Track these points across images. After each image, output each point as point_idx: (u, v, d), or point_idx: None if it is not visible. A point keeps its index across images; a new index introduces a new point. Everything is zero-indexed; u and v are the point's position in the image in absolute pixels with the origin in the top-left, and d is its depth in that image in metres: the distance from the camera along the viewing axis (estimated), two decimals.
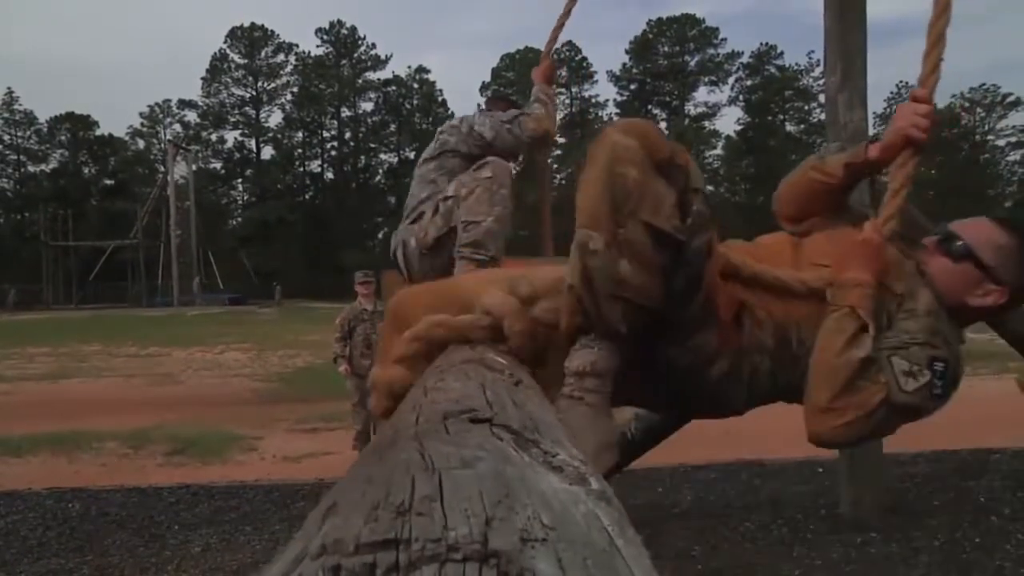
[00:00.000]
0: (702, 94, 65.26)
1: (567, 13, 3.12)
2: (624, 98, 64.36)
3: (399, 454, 0.53)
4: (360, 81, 63.77)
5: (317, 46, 64.36)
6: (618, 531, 0.45)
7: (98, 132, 63.68)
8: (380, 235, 59.27)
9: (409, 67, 64.95)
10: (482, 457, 0.51)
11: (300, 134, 64.67)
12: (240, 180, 65.08)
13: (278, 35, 63.52)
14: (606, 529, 0.45)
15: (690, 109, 64.55)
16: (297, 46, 63.82)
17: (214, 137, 64.37)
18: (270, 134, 64.27)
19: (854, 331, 1.46)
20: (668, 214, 1.28)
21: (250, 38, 63.06)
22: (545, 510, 0.43)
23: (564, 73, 63.78)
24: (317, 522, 0.42)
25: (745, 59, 63.24)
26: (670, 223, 1.28)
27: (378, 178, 64.47)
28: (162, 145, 60.74)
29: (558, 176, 50.03)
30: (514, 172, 2.87)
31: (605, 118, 63.86)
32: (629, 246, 1.26)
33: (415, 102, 63.56)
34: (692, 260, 1.35)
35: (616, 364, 1.34)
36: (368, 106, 63.56)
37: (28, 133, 62.79)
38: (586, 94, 65.82)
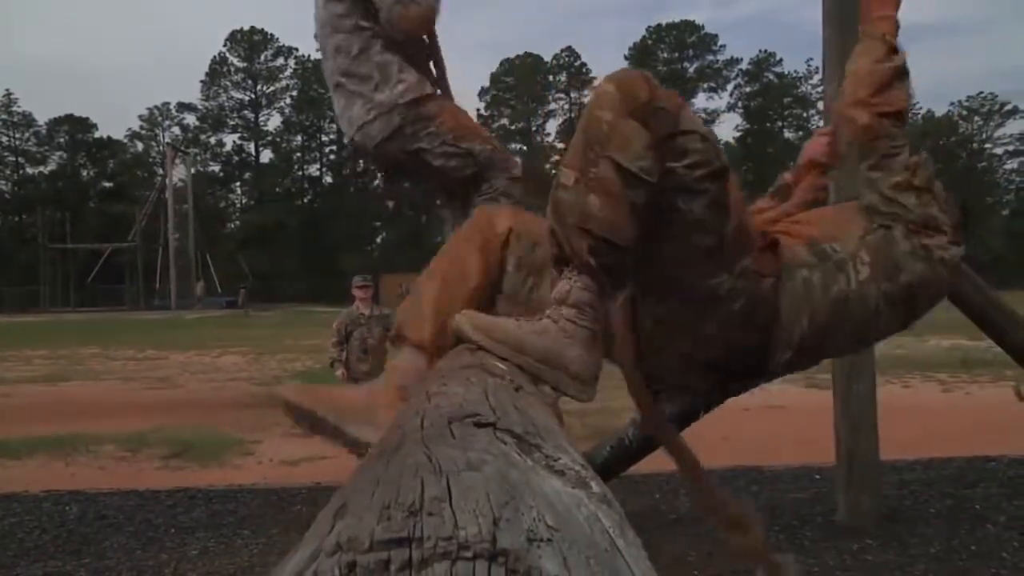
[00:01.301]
0: (701, 100, 65.36)
1: None
2: None
3: (406, 458, 0.54)
4: None
5: (316, 50, 64.13)
6: (619, 532, 0.47)
7: (97, 134, 63.78)
8: (378, 239, 59.36)
9: None
10: (487, 460, 0.52)
11: (299, 138, 64.77)
12: (239, 183, 65.15)
13: (278, 39, 63.77)
14: (607, 531, 0.46)
15: None
16: (296, 50, 64.03)
17: (213, 140, 64.53)
18: (269, 138, 64.37)
19: (887, 50, 1.77)
20: (637, 154, 1.35)
21: (250, 41, 63.19)
22: (549, 512, 0.44)
23: (563, 78, 63.95)
24: (328, 522, 0.44)
25: (744, 66, 63.53)
26: (636, 163, 1.34)
27: (376, 182, 64.49)
28: (161, 148, 60.83)
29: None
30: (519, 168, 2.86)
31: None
32: (598, 183, 1.34)
33: None
34: (703, 188, 1.43)
35: (592, 299, 1.38)
36: None
37: (27, 135, 62.86)
38: (585, 99, 65.84)
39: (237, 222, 64.16)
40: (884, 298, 1.65)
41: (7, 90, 61.48)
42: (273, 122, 64.80)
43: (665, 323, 1.59)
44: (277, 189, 62.81)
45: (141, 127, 64.11)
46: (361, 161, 63.09)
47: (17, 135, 62.55)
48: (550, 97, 65.59)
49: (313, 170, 65.83)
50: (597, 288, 1.37)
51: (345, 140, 2.93)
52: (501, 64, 64.20)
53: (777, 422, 8.13)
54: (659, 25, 64.29)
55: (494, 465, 0.51)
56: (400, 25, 2.66)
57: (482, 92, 63.39)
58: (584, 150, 1.35)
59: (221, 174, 64.53)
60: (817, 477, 5.77)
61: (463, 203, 2.78)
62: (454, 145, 2.70)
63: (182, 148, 56.95)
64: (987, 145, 60.48)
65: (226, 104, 64.00)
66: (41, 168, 63.36)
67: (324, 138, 65.10)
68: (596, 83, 1.50)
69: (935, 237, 1.71)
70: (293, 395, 1.59)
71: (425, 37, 2.86)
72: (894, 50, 1.79)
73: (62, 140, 63.29)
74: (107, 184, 63.63)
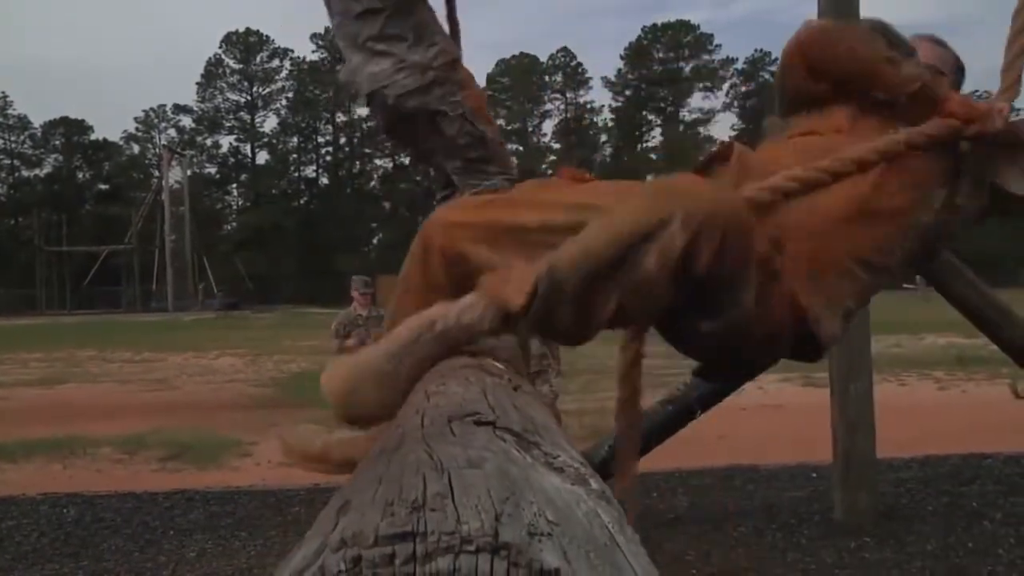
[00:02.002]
0: (697, 100, 65.54)
1: None
2: (619, 104, 64.58)
3: (408, 456, 0.55)
4: None
5: (312, 51, 64.41)
6: (618, 528, 0.48)
7: (92, 137, 63.68)
8: (375, 240, 59.31)
9: None
10: (488, 457, 0.53)
11: (295, 139, 64.74)
12: (235, 185, 65.08)
13: (273, 40, 63.70)
14: (607, 526, 0.47)
15: (685, 115, 64.86)
16: (292, 51, 64.03)
17: (209, 142, 64.48)
18: (265, 139, 64.33)
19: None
20: (649, 308, 1.26)
21: (245, 43, 63.15)
22: (549, 507, 0.45)
23: (559, 79, 63.98)
24: (332, 519, 0.44)
25: (740, 65, 63.60)
26: (640, 315, 1.30)
27: (373, 183, 64.55)
28: (157, 150, 60.76)
29: None
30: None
31: (600, 124, 64.06)
32: (584, 305, 1.19)
33: None
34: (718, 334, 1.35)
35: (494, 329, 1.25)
36: (363, 111, 63.66)
37: (22, 137, 62.76)
38: (581, 99, 65.94)
39: (233, 224, 64.10)
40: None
41: (2, 92, 61.43)
42: (269, 124, 64.83)
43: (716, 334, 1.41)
44: (273, 191, 62.76)
45: (137, 129, 64.06)
46: (358, 162, 63.09)
47: (12, 138, 62.46)
48: (546, 98, 65.61)
49: (309, 171, 65.82)
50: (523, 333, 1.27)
51: (357, 97, 2.95)
52: (497, 64, 64.23)
53: (774, 421, 8.14)
54: (655, 25, 64.37)
55: (494, 462, 0.52)
56: None
57: None
58: (602, 270, 1.16)
59: (217, 176, 64.47)
60: (814, 475, 5.78)
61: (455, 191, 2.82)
62: (471, 123, 2.75)
63: (178, 150, 56.89)
64: None
65: (222, 106, 63.96)
66: (37, 171, 63.29)
67: (320, 139, 65.10)
68: (671, 188, 1.26)
69: None
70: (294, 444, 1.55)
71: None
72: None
73: (58, 142, 63.18)
74: (103, 186, 63.52)
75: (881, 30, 1.78)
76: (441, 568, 0.36)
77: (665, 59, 63.73)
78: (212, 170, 64.62)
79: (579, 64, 64.92)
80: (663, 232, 1.13)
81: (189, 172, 55.57)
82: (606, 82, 64.90)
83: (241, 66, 63.56)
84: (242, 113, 64.14)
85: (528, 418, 0.73)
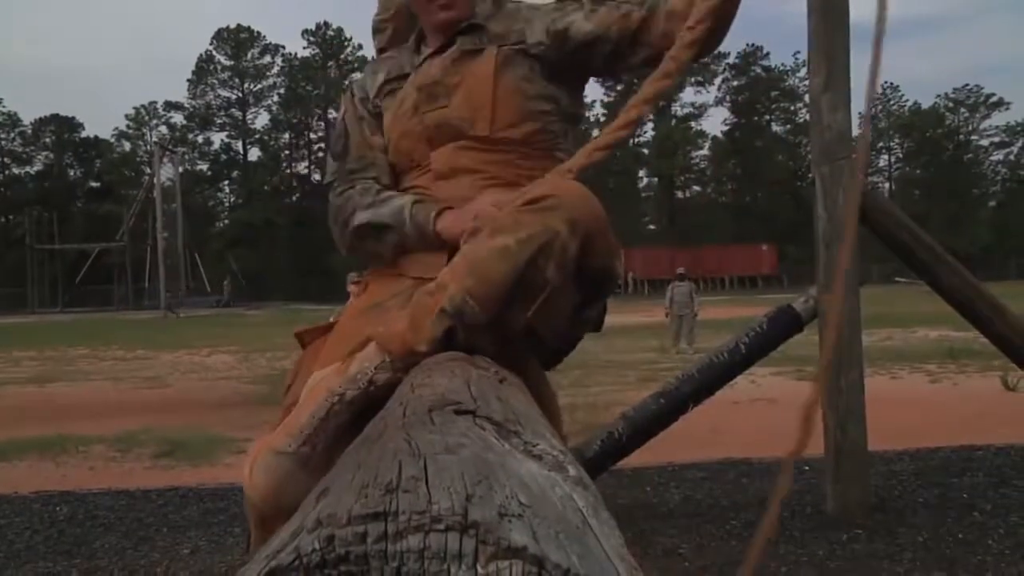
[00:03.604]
0: (689, 95, 65.44)
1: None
2: (611, 99, 64.50)
3: (387, 443, 0.56)
4: (347, 82, 63.68)
5: (304, 47, 64.25)
6: (592, 512, 0.48)
7: (83, 134, 63.40)
8: None
9: None
10: (465, 444, 0.54)
11: (287, 135, 64.57)
12: (227, 182, 64.88)
13: (264, 36, 63.46)
14: (580, 510, 0.48)
15: (677, 110, 64.76)
16: (283, 47, 63.80)
17: (200, 139, 64.26)
18: (257, 136, 64.12)
19: None
20: (556, 322, 1.29)
21: (236, 39, 62.90)
22: (523, 491, 0.46)
23: None
24: (311, 504, 0.45)
25: (731, 60, 63.57)
26: (548, 332, 1.29)
27: None
28: (148, 147, 60.49)
29: None
30: None
31: (591, 118, 63.98)
32: (498, 327, 1.20)
33: None
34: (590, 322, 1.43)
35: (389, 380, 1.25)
36: None
37: (12, 135, 62.40)
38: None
39: (226, 221, 63.93)
40: None
41: None
42: (261, 120, 64.62)
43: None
44: (265, 187, 62.57)
45: (128, 126, 63.78)
46: None
47: (2, 135, 62.12)
48: None
49: (301, 168, 65.64)
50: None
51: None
52: None
53: (766, 415, 8.17)
54: None
55: (472, 449, 0.52)
56: None
57: None
58: (504, 296, 1.18)
59: (209, 173, 64.26)
60: (806, 469, 5.81)
61: None
62: None
63: (169, 147, 56.66)
64: (973, 137, 60.81)
65: (213, 102, 63.74)
66: (27, 168, 62.96)
67: (312, 136, 64.92)
68: (553, 199, 1.24)
69: None
70: None
71: None
72: None
73: (48, 140, 62.85)
74: (94, 184, 63.25)
75: None
76: (411, 546, 0.37)
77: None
78: (204, 167, 64.43)
79: None
80: (555, 243, 1.17)
81: (181, 169, 55.33)
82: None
83: (232, 63, 63.33)
84: (233, 110, 63.95)
85: (510, 408, 0.73)
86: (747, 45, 64.03)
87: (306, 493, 1.11)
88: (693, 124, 63.56)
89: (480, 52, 1.65)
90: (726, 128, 63.48)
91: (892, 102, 62.96)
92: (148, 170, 56.50)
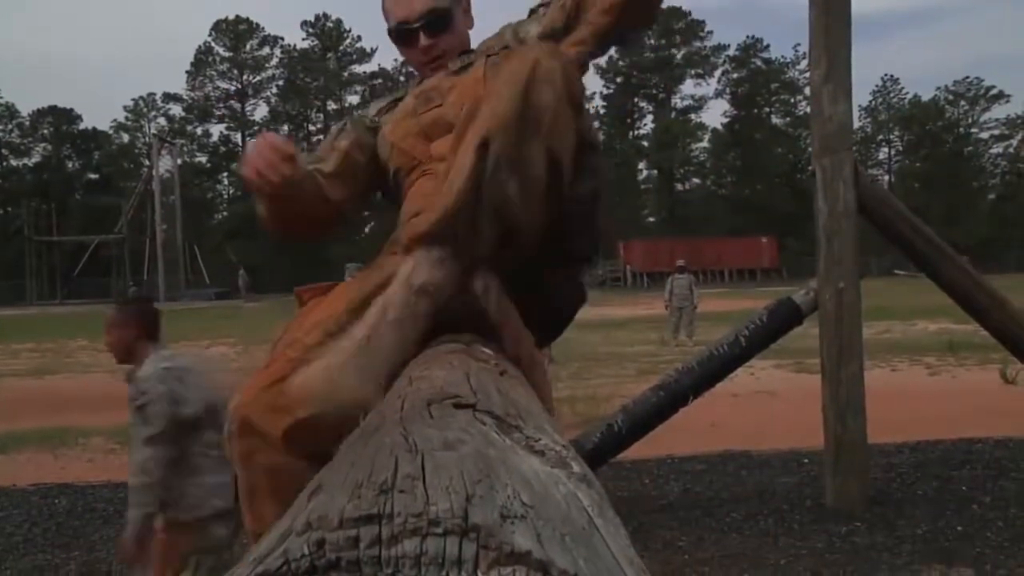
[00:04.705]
0: (688, 87, 65.36)
1: None
2: (611, 91, 64.37)
3: (383, 438, 0.54)
4: (346, 74, 63.58)
5: (303, 39, 64.04)
6: (597, 511, 0.46)
7: (81, 126, 63.14)
8: (367, 228, 59.10)
9: (395, 60, 64.59)
10: (465, 440, 0.52)
11: (286, 127, 64.34)
12: (226, 174, 64.72)
13: (263, 28, 63.23)
14: (585, 509, 0.46)
15: (676, 102, 64.68)
16: (282, 39, 63.56)
17: (199, 131, 64.08)
18: (256, 127, 63.91)
19: None
20: (568, 149, 1.23)
21: (235, 31, 62.69)
22: (525, 489, 0.44)
23: None
24: (303, 503, 0.43)
25: (731, 52, 63.44)
26: (566, 157, 1.23)
27: None
28: (147, 139, 60.31)
29: None
30: None
31: (591, 110, 63.82)
32: (524, 165, 1.17)
33: None
34: (586, 200, 1.37)
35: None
36: (354, 99, 63.25)
37: (10, 127, 62.18)
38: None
39: (224, 212, 63.78)
40: None
41: None
42: (260, 112, 64.42)
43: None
44: None
45: (126, 118, 63.54)
46: None
47: (0, 127, 61.94)
48: None
49: None
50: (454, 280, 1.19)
51: None
52: None
53: (766, 407, 8.16)
54: None
55: (471, 444, 0.50)
56: None
57: None
58: (520, 123, 1.16)
59: (208, 164, 64.10)
60: (806, 461, 5.81)
61: None
62: None
63: (168, 139, 56.51)
64: (973, 130, 60.72)
65: (212, 94, 63.56)
66: (25, 160, 62.75)
67: (311, 127, 64.75)
68: (525, 49, 1.36)
69: None
70: None
71: None
72: None
73: (46, 132, 62.63)
74: (93, 176, 63.06)
75: None
76: (407, 551, 0.35)
77: (657, 45, 63.46)
78: (203, 159, 64.26)
79: None
80: (540, 70, 1.20)
81: (179, 161, 55.23)
82: (597, 68, 64.63)
83: (231, 54, 63.13)
84: (232, 101, 63.77)
85: (511, 401, 0.71)
86: (747, 37, 63.95)
87: (360, 398, 1.03)
88: (693, 116, 63.45)
89: (471, 64, 1.80)
90: (726, 120, 63.35)
91: (892, 94, 62.88)
92: (147, 162, 56.40)
